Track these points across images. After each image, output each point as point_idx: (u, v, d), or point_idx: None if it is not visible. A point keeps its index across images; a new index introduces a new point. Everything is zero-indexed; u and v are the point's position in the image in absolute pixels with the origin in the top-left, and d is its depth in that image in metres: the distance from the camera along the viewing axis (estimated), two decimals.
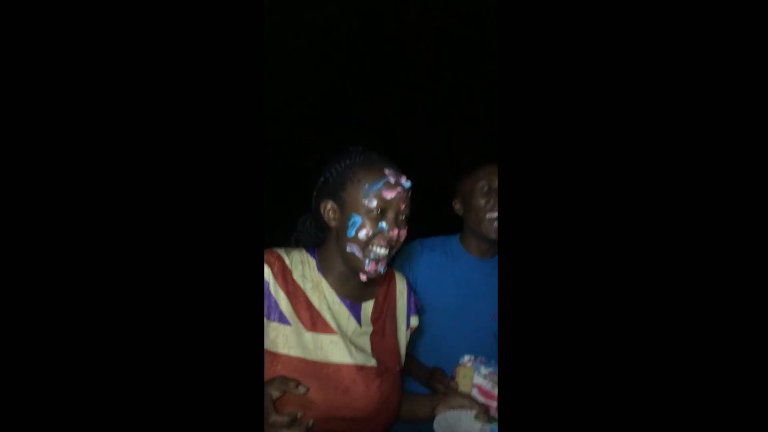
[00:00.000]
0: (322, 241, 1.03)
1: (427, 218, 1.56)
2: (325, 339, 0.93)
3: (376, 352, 0.99)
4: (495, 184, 1.38)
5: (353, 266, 0.95)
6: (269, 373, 0.87)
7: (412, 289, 1.15)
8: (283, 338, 0.90)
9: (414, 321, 1.13)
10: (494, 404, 1.05)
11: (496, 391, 1.05)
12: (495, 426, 0.98)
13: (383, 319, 1.04)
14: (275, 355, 0.89)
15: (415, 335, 1.47)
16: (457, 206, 1.51)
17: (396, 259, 1.53)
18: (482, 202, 1.40)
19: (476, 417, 1.01)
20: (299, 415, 0.72)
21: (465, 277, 1.44)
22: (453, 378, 1.14)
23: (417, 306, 1.17)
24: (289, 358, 0.89)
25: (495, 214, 1.37)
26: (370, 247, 0.93)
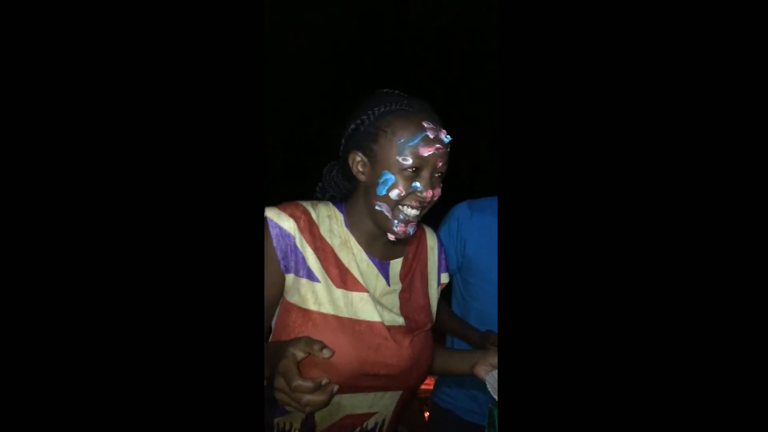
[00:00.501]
0: (350, 194, 0.97)
1: (428, 217, 1.56)
2: (355, 296, 0.89)
3: (405, 310, 0.95)
4: None
5: (381, 225, 0.90)
6: (300, 330, 0.85)
7: (442, 245, 1.11)
8: (312, 295, 0.86)
9: (444, 278, 1.09)
10: None
11: None
12: None
13: (412, 277, 1.00)
14: (306, 312, 0.86)
15: (466, 298, 1.46)
16: None
17: (443, 220, 1.49)
18: None
19: None
20: (324, 382, 0.68)
21: None
22: None
23: (447, 263, 1.13)
24: (320, 314, 0.86)
25: None
26: (401, 207, 0.87)
